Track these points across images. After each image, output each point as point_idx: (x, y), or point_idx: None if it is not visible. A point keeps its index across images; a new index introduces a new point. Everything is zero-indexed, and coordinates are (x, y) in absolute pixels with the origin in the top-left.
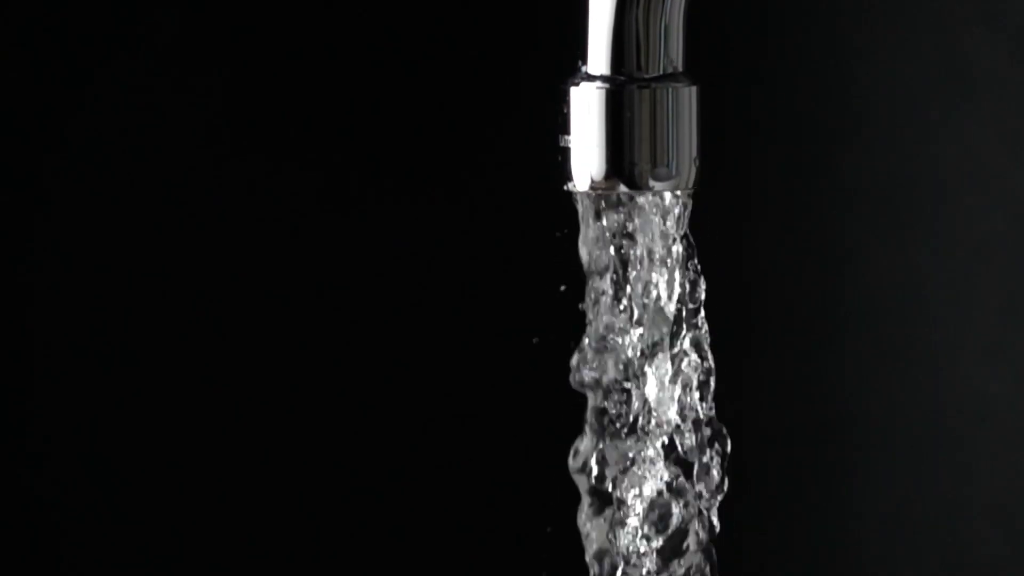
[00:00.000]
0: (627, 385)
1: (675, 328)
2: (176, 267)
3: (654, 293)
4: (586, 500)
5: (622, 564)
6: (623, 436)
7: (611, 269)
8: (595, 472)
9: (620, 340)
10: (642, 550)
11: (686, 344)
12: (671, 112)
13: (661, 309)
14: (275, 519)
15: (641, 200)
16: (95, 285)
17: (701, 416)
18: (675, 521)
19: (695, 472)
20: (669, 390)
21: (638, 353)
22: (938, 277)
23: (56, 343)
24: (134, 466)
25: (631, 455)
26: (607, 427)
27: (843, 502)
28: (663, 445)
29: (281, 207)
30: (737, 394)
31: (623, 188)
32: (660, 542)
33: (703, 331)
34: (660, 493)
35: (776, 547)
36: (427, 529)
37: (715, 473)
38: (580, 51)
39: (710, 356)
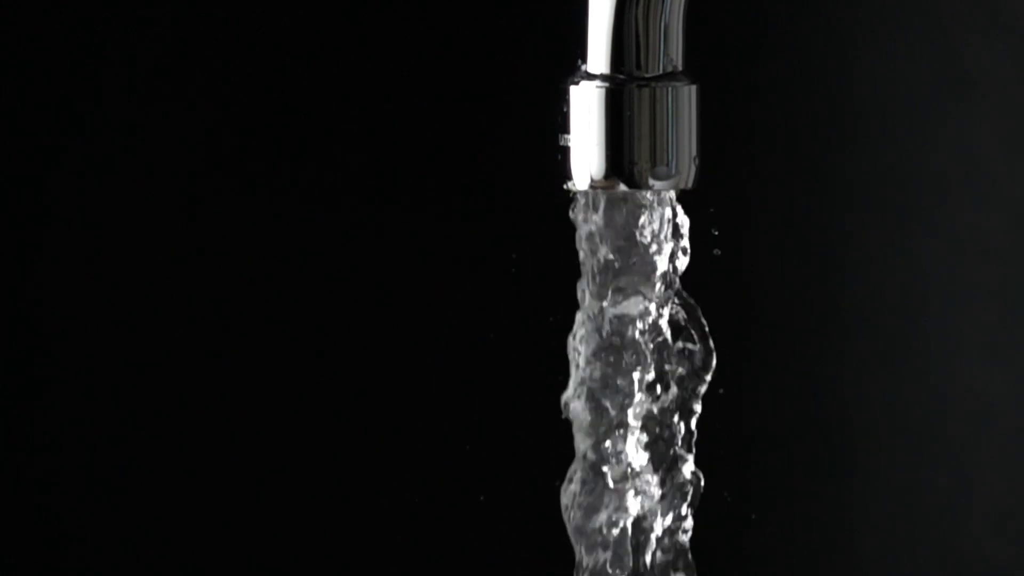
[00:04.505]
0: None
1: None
2: (177, 268)
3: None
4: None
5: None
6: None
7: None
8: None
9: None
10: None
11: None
12: (671, 111)
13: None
14: (274, 520)
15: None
16: (94, 287)
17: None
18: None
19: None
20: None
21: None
22: (938, 277)
23: (56, 345)
24: (132, 468)
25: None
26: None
27: (843, 502)
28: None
29: (279, 207)
30: (737, 394)
31: (623, 187)
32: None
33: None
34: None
35: (776, 547)
36: (425, 530)
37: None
38: (580, 50)
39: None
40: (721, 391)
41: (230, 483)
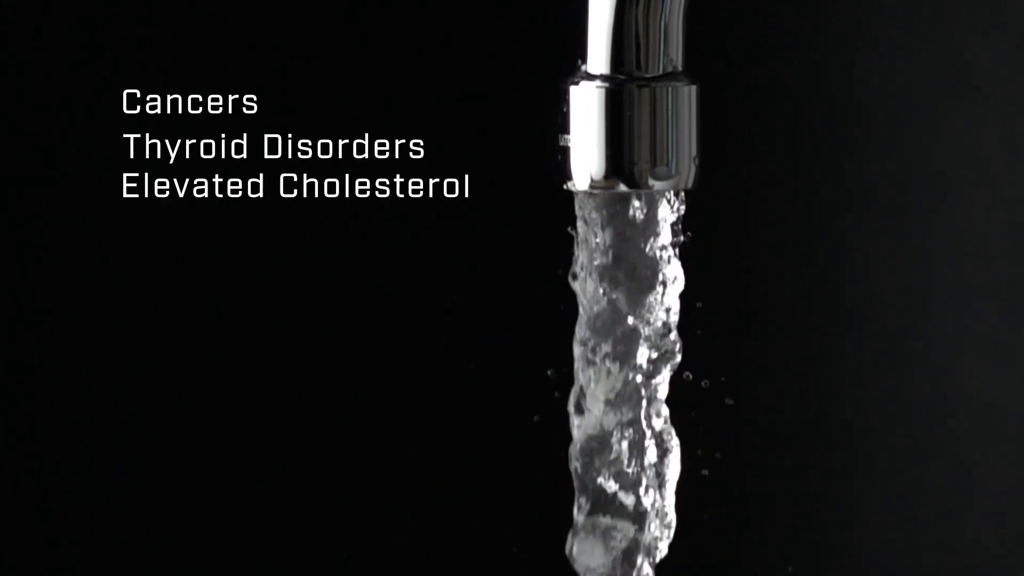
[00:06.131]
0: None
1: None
2: (177, 268)
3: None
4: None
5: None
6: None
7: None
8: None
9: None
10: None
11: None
12: (671, 111)
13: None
14: (274, 520)
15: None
16: (94, 287)
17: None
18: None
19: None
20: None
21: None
22: (938, 277)
23: (56, 345)
24: (133, 468)
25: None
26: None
27: (843, 502)
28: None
29: (278, 207)
30: (737, 394)
31: (623, 187)
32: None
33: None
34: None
35: (776, 546)
36: (425, 530)
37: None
38: (580, 50)
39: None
40: (722, 391)
41: (230, 483)
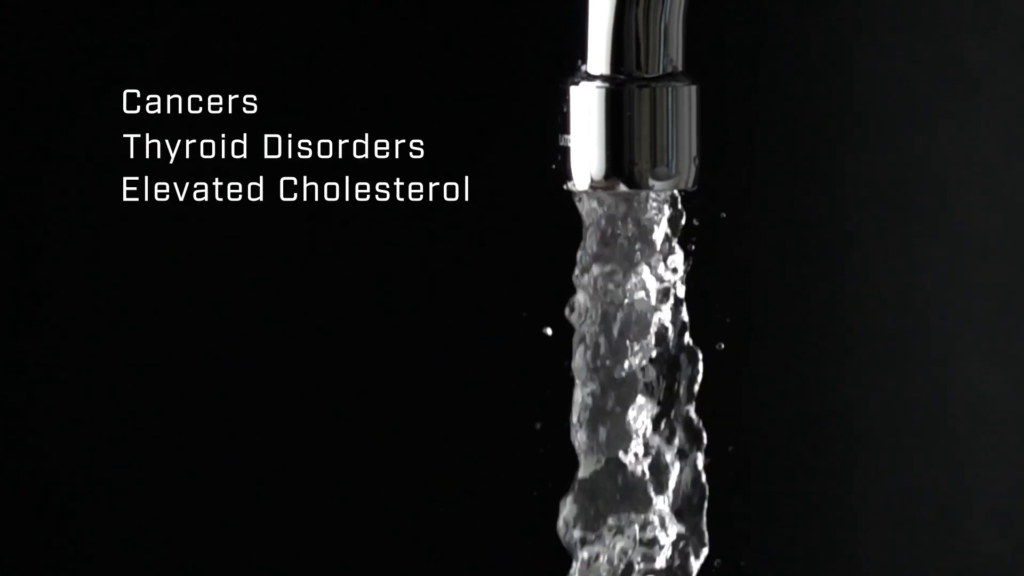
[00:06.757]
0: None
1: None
2: (177, 268)
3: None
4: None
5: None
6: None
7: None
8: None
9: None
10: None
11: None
12: (671, 111)
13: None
14: (274, 520)
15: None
16: (94, 287)
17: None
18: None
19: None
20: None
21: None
22: (938, 277)
23: (56, 345)
24: (132, 468)
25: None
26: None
27: (843, 501)
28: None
29: (278, 207)
30: (737, 394)
31: (623, 187)
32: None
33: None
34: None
35: (776, 547)
36: (425, 530)
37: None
38: (580, 50)
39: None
40: (722, 391)
41: (230, 483)
